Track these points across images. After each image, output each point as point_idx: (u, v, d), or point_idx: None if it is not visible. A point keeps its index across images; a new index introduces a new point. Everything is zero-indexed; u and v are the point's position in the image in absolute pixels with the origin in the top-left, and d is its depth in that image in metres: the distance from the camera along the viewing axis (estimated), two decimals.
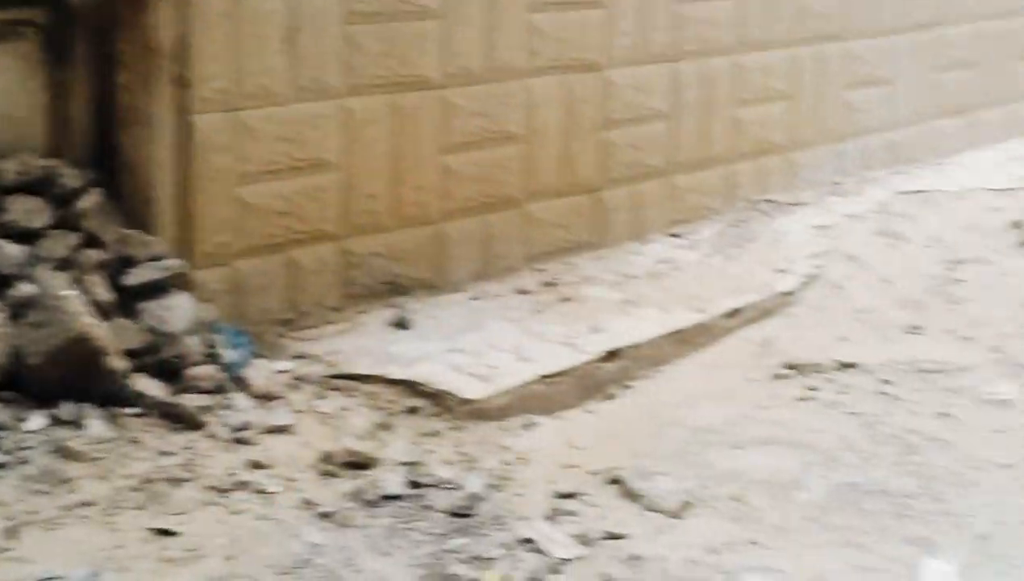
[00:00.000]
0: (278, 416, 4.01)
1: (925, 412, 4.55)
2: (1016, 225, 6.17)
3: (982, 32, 7.30)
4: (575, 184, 5.43)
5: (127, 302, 4.12)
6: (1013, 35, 7.53)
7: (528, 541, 3.56)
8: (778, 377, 4.81)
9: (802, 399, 4.64)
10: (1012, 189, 6.63)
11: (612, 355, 4.66)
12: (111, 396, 3.86)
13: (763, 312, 5.21)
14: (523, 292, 5.13)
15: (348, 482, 3.76)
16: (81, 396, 3.83)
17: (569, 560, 3.51)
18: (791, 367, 4.85)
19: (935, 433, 4.39)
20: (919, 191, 6.48)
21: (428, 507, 3.68)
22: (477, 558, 3.44)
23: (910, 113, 6.95)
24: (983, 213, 6.31)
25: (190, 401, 3.95)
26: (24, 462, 3.58)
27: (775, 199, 6.24)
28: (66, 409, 3.79)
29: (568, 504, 3.82)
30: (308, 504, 3.62)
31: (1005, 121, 7.57)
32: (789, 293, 5.34)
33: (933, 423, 4.47)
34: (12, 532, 3.29)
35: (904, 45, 6.84)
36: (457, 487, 3.78)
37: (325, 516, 3.56)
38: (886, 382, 4.76)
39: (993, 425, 4.47)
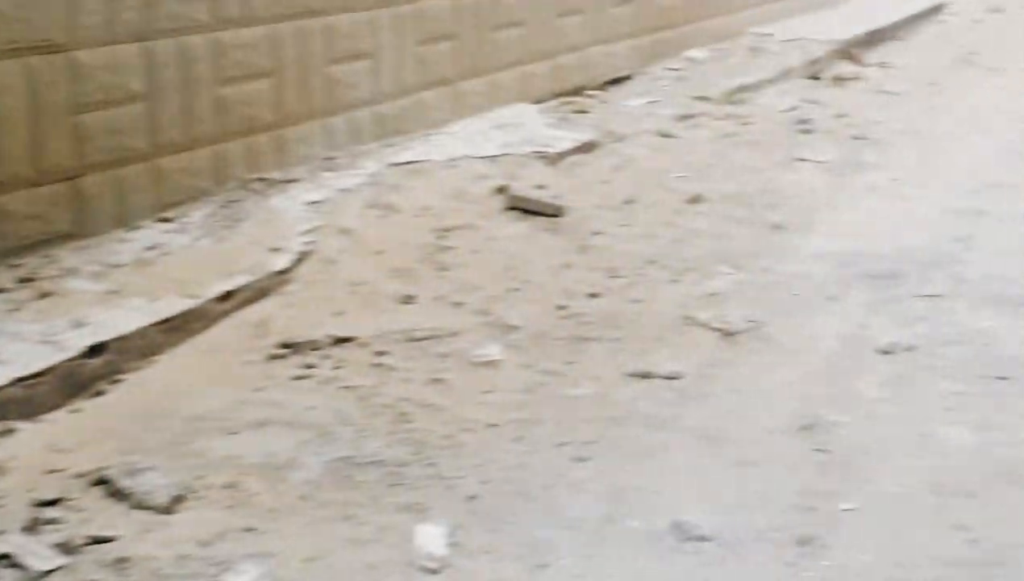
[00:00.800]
0: None
1: (418, 380, 4.63)
2: (500, 191, 6.41)
3: (461, 5, 7.51)
4: (48, 173, 5.11)
5: None
6: (491, 6, 7.79)
7: (4, 557, 3.34)
8: (274, 357, 4.75)
9: (298, 378, 4.61)
10: (496, 156, 6.87)
11: (97, 349, 4.43)
12: None
13: (258, 292, 5.13)
14: None
15: None
16: None
17: (51, 571, 3.32)
18: (287, 346, 4.81)
19: (427, 399, 4.48)
20: (409, 162, 6.59)
21: None
22: None
23: (396, 86, 7.06)
24: (470, 181, 6.50)
25: None
26: None
27: (268, 177, 6.16)
28: None
29: (50, 512, 3.62)
30: None
31: (487, 91, 7.84)
32: (283, 271, 5.28)
33: (426, 390, 4.56)
34: None
35: (386, 19, 6.92)
36: None
37: None
38: (380, 353, 4.81)
39: (482, 387, 4.62)
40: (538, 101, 8.27)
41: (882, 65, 11.04)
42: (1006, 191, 7.30)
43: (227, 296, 5.00)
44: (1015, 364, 4.85)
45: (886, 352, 4.96)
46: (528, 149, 7.08)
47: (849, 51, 11.13)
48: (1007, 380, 4.72)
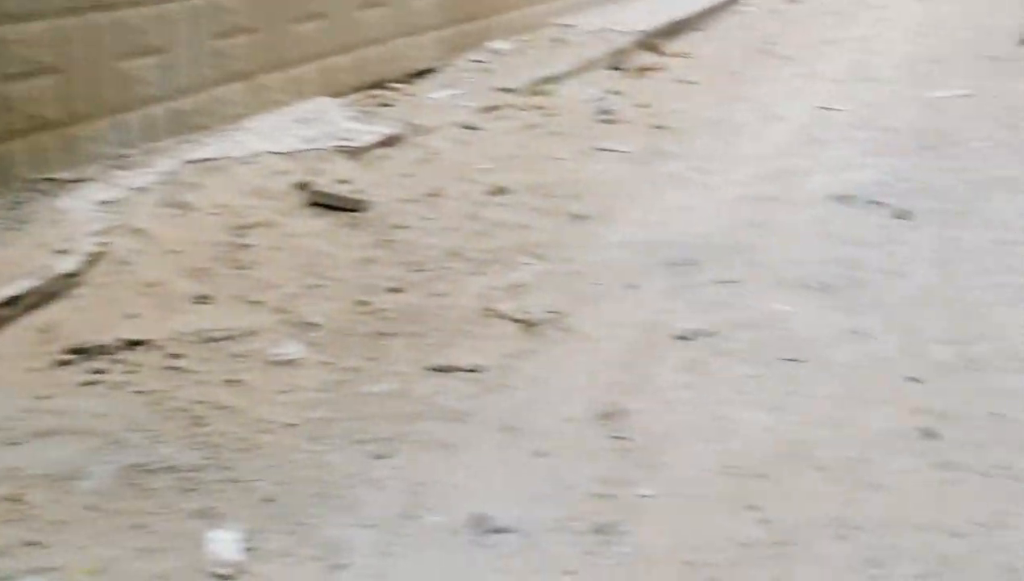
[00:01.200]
0: None
1: (214, 381, 4.52)
2: (301, 187, 6.31)
3: None
4: None
5: None
6: None
7: None
8: (61, 363, 4.57)
9: (86, 383, 4.45)
10: (297, 152, 6.77)
11: None
12: None
13: (44, 297, 4.93)
14: None
15: None
16: None
17: None
18: (75, 351, 4.64)
19: (223, 401, 4.37)
20: (206, 159, 6.43)
21: None
22: None
23: (192, 81, 6.89)
24: (269, 177, 6.38)
25: None
26: None
27: (56, 177, 5.94)
28: None
29: None
30: None
31: (288, 85, 7.71)
32: (72, 274, 5.09)
33: (222, 391, 4.45)
34: None
35: (180, 12, 6.75)
36: None
37: None
38: (175, 356, 4.67)
39: (280, 386, 4.53)
40: (340, 95, 8.17)
41: (683, 55, 11.24)
42: (800, 176, 7.49)
43: (11, 301, 4.80)
44: (807, 346, 4.96)
45: (683, 338, 5.03)
46: (330, 144, 6.99)
47: (651, 41, 11.30)
48: (799, 362, 4.82)
